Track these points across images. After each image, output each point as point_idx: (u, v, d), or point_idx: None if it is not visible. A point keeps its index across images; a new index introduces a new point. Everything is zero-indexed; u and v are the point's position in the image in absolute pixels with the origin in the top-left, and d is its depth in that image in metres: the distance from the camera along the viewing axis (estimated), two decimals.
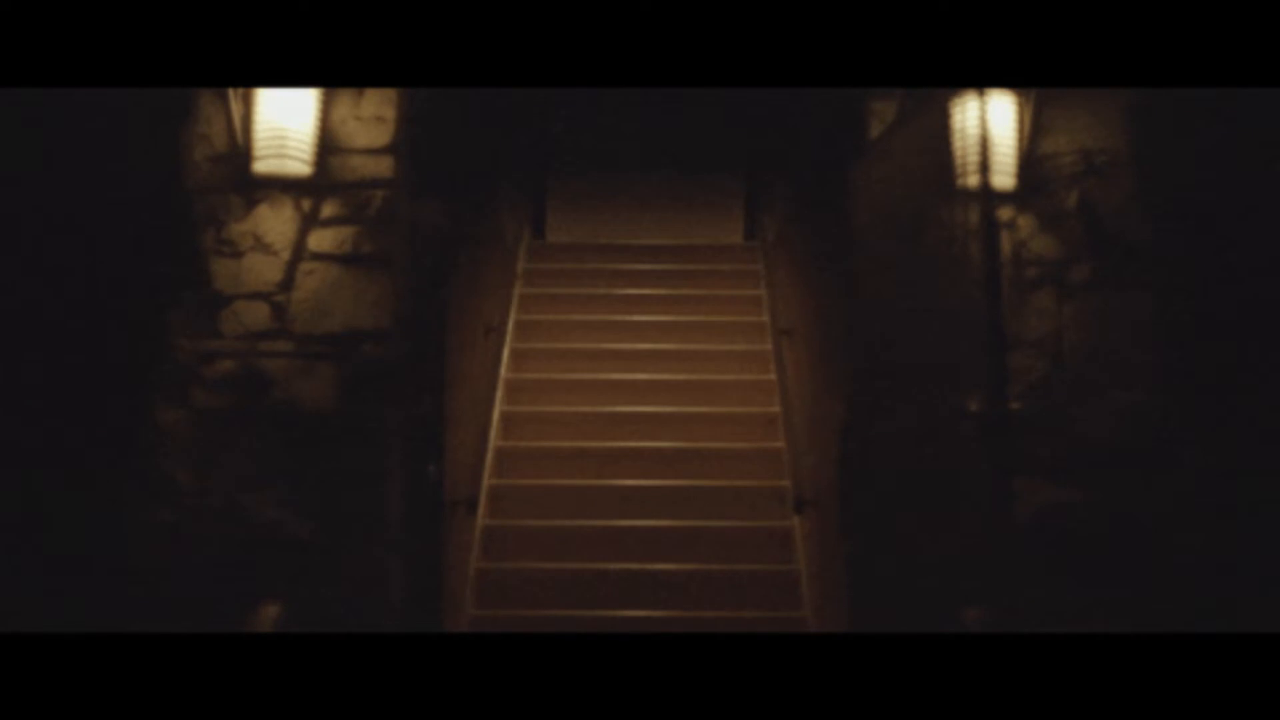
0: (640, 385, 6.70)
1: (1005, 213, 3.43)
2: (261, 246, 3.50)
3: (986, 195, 3.38)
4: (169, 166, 3.52)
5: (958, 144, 3.47)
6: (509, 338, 6.91)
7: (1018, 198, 3.44)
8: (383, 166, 3.57)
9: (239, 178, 3.52)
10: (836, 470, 4.11)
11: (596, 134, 9.27)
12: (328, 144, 3.56)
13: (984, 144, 3.40)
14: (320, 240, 3.52)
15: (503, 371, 6.60)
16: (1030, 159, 3.46)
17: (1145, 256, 3.38)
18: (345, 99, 3.58)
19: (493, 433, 6.10)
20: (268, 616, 3.20)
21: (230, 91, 3.51)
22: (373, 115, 3.58)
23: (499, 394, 6.42)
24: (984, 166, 3.40)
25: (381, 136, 3.58)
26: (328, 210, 3.54)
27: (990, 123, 3.43)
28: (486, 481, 5.82)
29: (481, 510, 5.66)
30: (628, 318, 7.30)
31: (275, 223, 3.51)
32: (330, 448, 3.40)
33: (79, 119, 3.52)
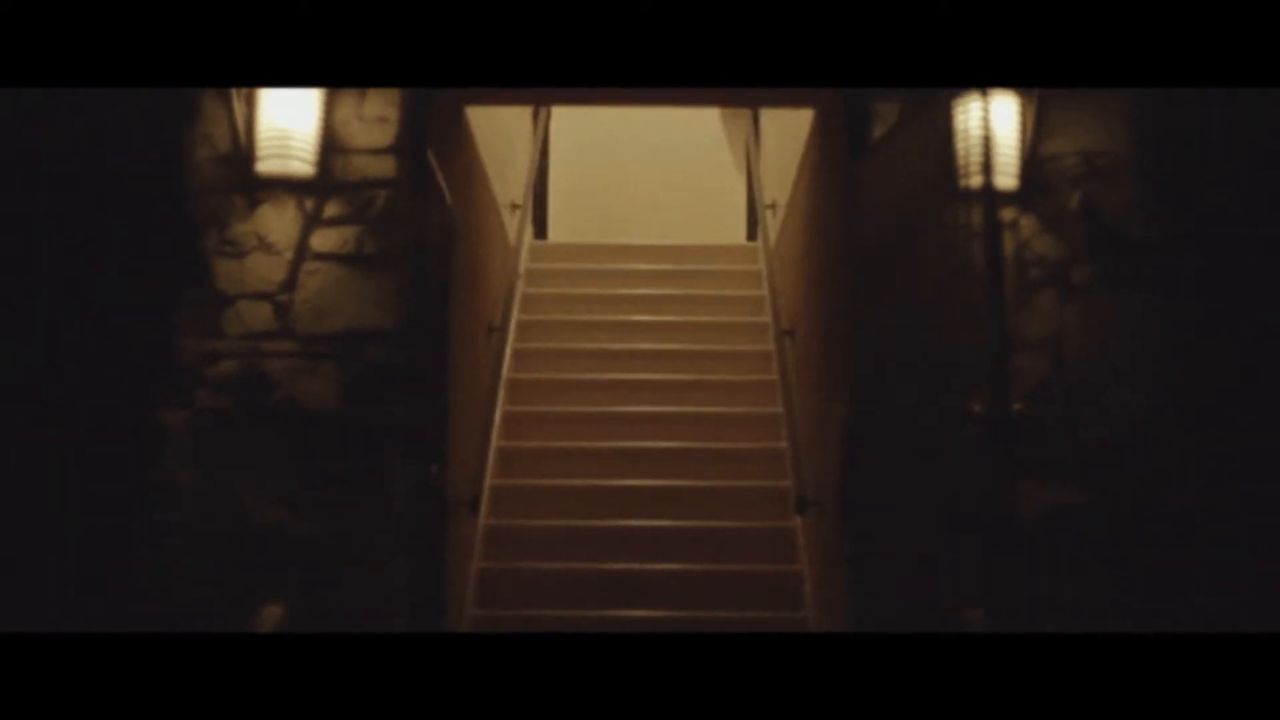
0: (643, 385, 6.71)
1: (1008, 213, 3.43)
2: (264, 247, 3.50)
3: (989, 196, 3.38)
4: (172, 167, 3.52)
5: (960, 145, 3.46)
6: (511, 337, 6.92)
7: (1020, 198, 3.44)
8: (385, 166, 3.57)
9: (242, 178, 3.52)
10: (839, 471, 4.11)
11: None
12: (331, 144, 3.56)
13: (987, 145, 3.39)
14: (323, 240, 3.52)
15: (505, 371, 6.60)
16: (1033, 160, 3.46)
17: (1147, 257, 3.37)
18: (348, 99, 3.58)
19: (495, 433, 6.11)
20: (271, 617, 3.21)
21: (233, 92, 3.52)
22: (375, 116, 3.59)
23: (501, 394, 6.42)
24: (987, 167, 3.39)
25: (384, 137, 3.58)
26: (331, 210, 3.54)
27: (993, 123, 3.42)
28: (489, 481, 5.83)
29: (484, 510, 5.67)
30: (630, 317, 7.31)
31: (278, 223, 3.51)
32: (333, 448, 3.40)
33: (81, 120, 3.52)
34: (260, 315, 3.47)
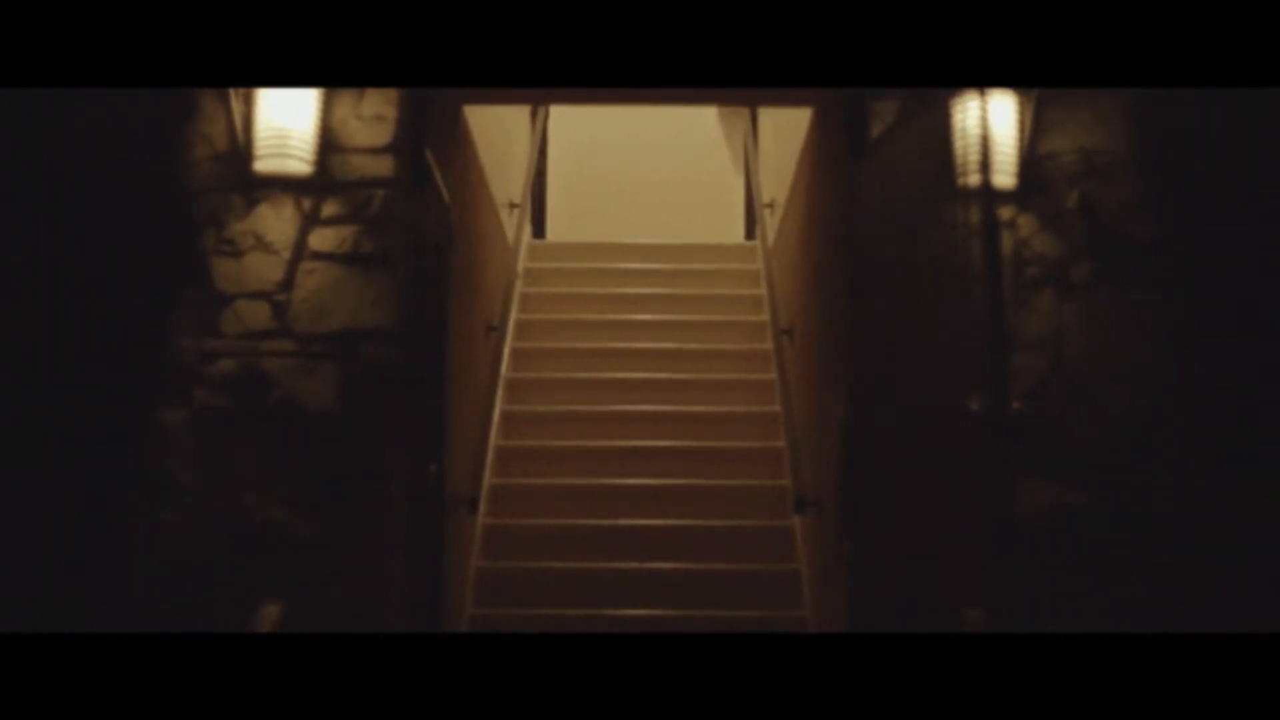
0: (641, 383, 6.70)
1: (1006, 212, 3.43)
2: (262, 246, 3.50)
3: (988, 194, 3.38)
4: (170, 166, 3.52)
5: (959, 143, 3.46)
6: (510, 336, 6.91)
7: (1019, 197, 3.44)
8: (383, 166, 3.57)
9: (240, 177, 3.52)
10: (837, 469, 4.11)
11: None
12: (329, 143, 3.55)
13: (985, 143, 3.39)
14: (321, 239, 3.52)
15: (504, 370, 6.60)
16: (1031, 158, 3.46)
17: (1146, 256, 3.37)
18: (346, 98, 3.58)
19: (493, 432, 6.11)
20: (269, 616, 3.21)
21: (231, 91, 3.51)
22: (373, 115, 3.58)
23: (500, 393, 6.42)
24: (985, 166, 3.39)
25: (382, 136, 3.58)
26: (328, 209, 3.54)
27: (991, 122, 3.42)
28: (487, 481, 5.83)
29: (482, 509, 5.67)
30: (628, 316, 7.31)
31: (276, 222, 3.51)
32: (332, 447, 3.40)
33: (81, 120, 3.52)
34: (258, 314, 3.47)
